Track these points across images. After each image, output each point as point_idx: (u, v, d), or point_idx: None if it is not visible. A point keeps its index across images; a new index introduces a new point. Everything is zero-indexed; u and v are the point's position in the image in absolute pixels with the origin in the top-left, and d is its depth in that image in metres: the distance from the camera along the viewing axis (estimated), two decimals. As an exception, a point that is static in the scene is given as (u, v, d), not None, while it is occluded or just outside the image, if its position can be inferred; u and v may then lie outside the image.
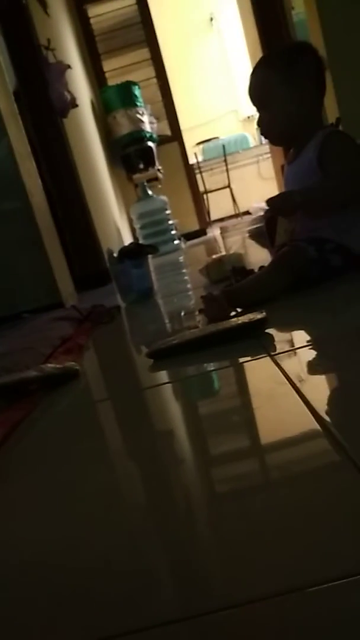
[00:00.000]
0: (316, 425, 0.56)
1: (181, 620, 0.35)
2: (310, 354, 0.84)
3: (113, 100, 4.82)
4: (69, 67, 3.21)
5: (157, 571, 0.42)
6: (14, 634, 0.39)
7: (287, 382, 0.71)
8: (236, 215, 5.89)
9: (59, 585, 0.43)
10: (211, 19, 6.99)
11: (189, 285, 2.14)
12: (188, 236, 5.00)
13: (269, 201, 1.27)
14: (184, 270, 2.86)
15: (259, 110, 1.33)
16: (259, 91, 1.31)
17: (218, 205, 5.91)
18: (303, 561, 0.37)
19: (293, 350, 0.88)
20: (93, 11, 5.12)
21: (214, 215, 5.86)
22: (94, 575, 0.43)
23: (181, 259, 3.53)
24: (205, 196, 5.83)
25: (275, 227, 1.36)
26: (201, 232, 5.40)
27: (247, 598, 0.35)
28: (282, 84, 1.26)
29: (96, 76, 5.16)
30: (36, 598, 0.42)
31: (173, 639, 0.34)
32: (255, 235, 1.40)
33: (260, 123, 1.34)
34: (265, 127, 1.34)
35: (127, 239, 4.47)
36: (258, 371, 0.83)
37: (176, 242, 4.32)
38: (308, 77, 1.27)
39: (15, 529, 0.55)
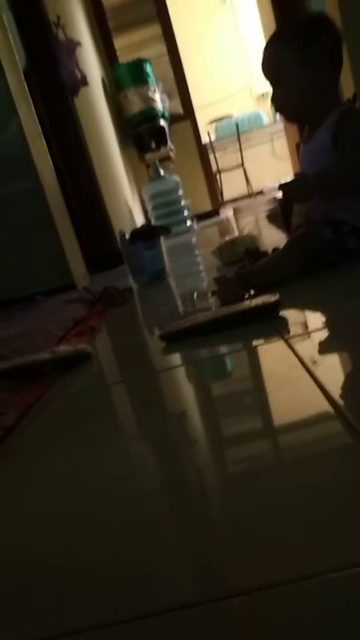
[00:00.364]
0: (329, 408, 0.56)
1: (197, 604, 0.35)
2: (324, 337, 0.83)
3: (124, 78, 4.75)
4: (79, 44, 3.17)
5: (170, 555, 0.42)
6: (23, 613, 0.39)
7: (300, 365, 0.71)
8: (250, 196, 5.82)
9: (71, 569, 0.43)
10: (224, -7, 6.82)
11: (201, 267, 2.13)
12: (201, 217, 4.95)
13: (283, 186, 1.24)
14: (197, 252, 2.84)
15: (272, 86, 1.29)
16: (272, 67, 1.27)
17: (231, 185, 5.84)
18: (316, 546, 0.37)
19: (307, 333, 0.87)
20: (103, -14, 5.02)
21: (227, 196, 5.80)
22: (106, 559, 0.43)
23: (194, 240, 3.50)
24: (218, 176, 5.76)
25: (292, 209, 1.33)
26: (214, 213, 5.35)
27: (262, 584, 0.35)
28: (296, 61, 1.22)
29: (107, 53, 5.08)
30: (47, 580, 0.42)
31: (188, 623, 0.34)
32: (273, 217, 1.37)
33: (274, 99, 1.30)
34: (279, 104, 1.30)
35: (139, 220, 4.45)
36: (271, 354, 0.82)
37: (189, 223, 4.28)
38: (323, 53, 1.22)
39: (28, 511, 0.55)
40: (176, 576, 0.39)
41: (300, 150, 1.38)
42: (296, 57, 1.22)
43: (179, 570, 0.40)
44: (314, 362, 0.71)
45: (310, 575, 0.34)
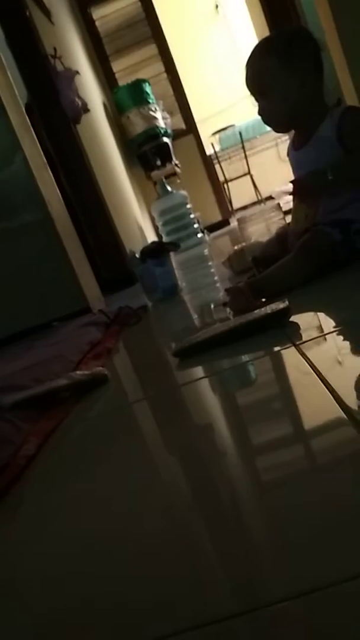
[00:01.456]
0: (342, 414, 0.56)
1: (239, 614, 0.35)
2: (336, 341, 0.83)
3: (125, 100, 4.83)
4: (77, 72, 3.24)
5: (209, 566, 0.42)
6: (64, 624, 0.40)
7: (312, 371, 0.70)
8: (259, 202, 5.82)
9: (110, 589, 0.43)
10: (216, 6, 6.89)
11: (215, 278, 2.13)
12: (211, 228, 4.97)
13: (296, 182, 1.24)
14: (210, 263, 2.85)
15: (258, 99, 1.31)
16: (258, 79, 1.28)
17: (240, 194, 5.85)
18: (347, 552, 0.37)
19: (318, 338, 0.87)
20: (97, 13, 5.13)
21: (236, 204, 5.80)
22: (145, 574, 0.43)
23: (206, 251, 3.51)
24: (225, 186, 5.78)
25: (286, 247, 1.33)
26: (224, 223, 5.36)
27: (303, 589, 0.35)
28: (282, 70, 1.23)
29: (106, 78, 5.18)
30: (85, 593, 0.43)
31: (233, 634, 0.34)
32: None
33: (261, 112, 1.31)
34: (268, 115, 1.31)
35: (151, 238, 4.48)
36: (283, 362, 0.82)
37: (199, 235, 4.30)
38: (307, 59, 1.24)
39: (60, 533, 0.56)
40: (218, 586, 0.39)
41: (292, 157, 1.38)
42: (282, 65, 1.23)
43: (219, 580, 0.40)
44: (326, 368, 0.71)
45: (347, 578, 0.34)
